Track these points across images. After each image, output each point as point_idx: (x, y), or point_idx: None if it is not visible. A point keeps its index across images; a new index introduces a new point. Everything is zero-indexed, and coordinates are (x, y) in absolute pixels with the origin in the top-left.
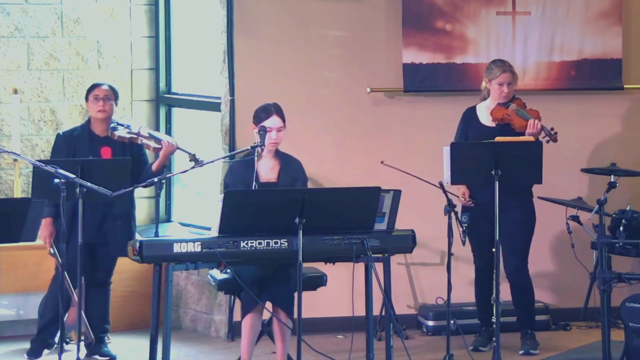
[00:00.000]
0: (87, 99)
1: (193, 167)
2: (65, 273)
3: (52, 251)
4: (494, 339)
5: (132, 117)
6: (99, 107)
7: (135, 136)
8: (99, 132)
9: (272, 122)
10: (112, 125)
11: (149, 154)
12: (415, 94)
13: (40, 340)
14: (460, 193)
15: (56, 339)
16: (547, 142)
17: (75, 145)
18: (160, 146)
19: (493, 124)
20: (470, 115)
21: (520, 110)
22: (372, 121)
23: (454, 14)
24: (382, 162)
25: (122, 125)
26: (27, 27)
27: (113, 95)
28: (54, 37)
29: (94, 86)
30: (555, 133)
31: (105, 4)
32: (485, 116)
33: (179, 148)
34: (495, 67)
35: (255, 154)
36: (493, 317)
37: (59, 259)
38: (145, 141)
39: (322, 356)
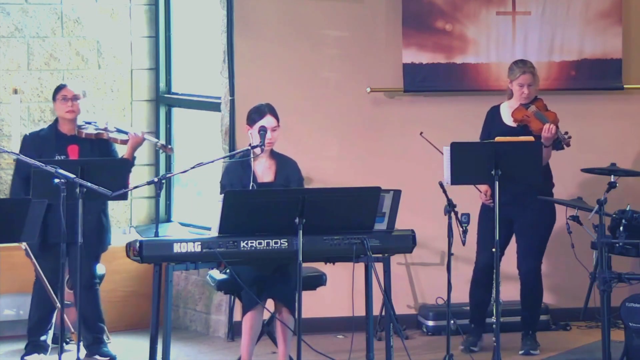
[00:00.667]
0: (54, 99)
1: (193, 167)
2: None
3: (23, 247)
4: (493, 339)
5: (131, 118)
6: (67, 108)
7: (102, 131)
8: (65, 131)
9: (267, 121)
10: (79, 124)
11: (121, 149)
12: (415, 94)
13: (32, 343)
14: (483, 190)
15: (49, 341)
16: (561, 147)
17: (42, 145)
18: (127, 139)
19: (514, 124)
20: (494, 114)
21: (539, 113)
22: (372, 121)
23: (454, 14)
24: (421, 133)
25: (89, 123)
26: (27, 27)
27: (81, 94)
28: (54, 37)
29: (62, 87)
30: (569, 138)
31: (105, 4)
32: (507, 116)
33: (145, 138)
34: (516, 68)
35: (252, 155)
36: (492, 318)
37: (33, 259)
38: (112, 135)
39: (322, 356)
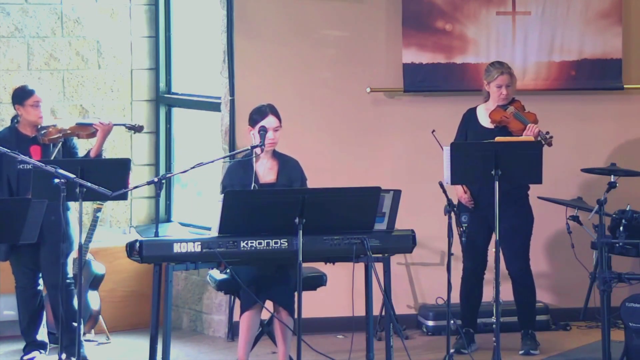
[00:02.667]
0: (21, 104)
1: (193, 167)
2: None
3: None
4: (493, 339)
5: (131, 118)
6: (40, 114)
7: (68, 132)
8: (27, 132)
9: (268, 122)
10: (41, 131)
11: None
12: (415, 94)
13: (30, 343)
14: (464, 188)
15: (45, 338)
16: (542, 146)
17: (4, 147)
18: (94, 130)
19: (491, 126)
20: (469, 116)
21: (518, 114)
22: (372, 121)
23: (454, 14)
24: (432, 131)
25: (47, 127)
26: (27, 27)
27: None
28: (54, 37)
29: (31, 92)
30: (551, 137)
31: (105, 4)
32: (484, 118)
33: (115, 124)
34: (493, 70)
35: (253, 155)
36: (492, 318)
37: None
38: (78, 132)
39: (322, 356)
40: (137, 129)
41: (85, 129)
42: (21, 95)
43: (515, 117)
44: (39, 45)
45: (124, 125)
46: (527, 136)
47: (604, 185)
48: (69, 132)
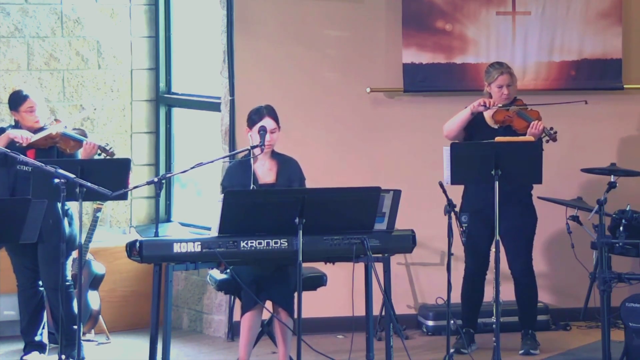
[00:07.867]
0: (16, 110)
1: (193, 167)
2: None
3: None
4: (493, 339)
5: (131, 118)
6: (35, 119)
7: (53, 140)
8: None
9: (265, 124)
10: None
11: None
12: (415, 94)
13: (29, 344)
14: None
15: (45, 339)
16: (547, 141)
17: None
18: (74, 145)
19: (495, 126)
20: (475, 116)
21: (522, 112)
22: (372, 121)
23: (454, 14)
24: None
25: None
26: (27, 27)
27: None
28: (54, 37)
29: (25, 97)
30: (555, 133)
31: (105, 4)
32: (489, 119)
33: (99, 146)
34: (493, 70)
35: (251, 156)
36: (492, 318)
37: None
38: (61, 143)
39: (322, 356)
40: (108, 152)
41: (67, 143)
42: (15, 101)
43: (519, 115)
44: (39, 45)
45: (99, 146)
46: (531, 134)
47: (604, 185)
48: (54, 140)
